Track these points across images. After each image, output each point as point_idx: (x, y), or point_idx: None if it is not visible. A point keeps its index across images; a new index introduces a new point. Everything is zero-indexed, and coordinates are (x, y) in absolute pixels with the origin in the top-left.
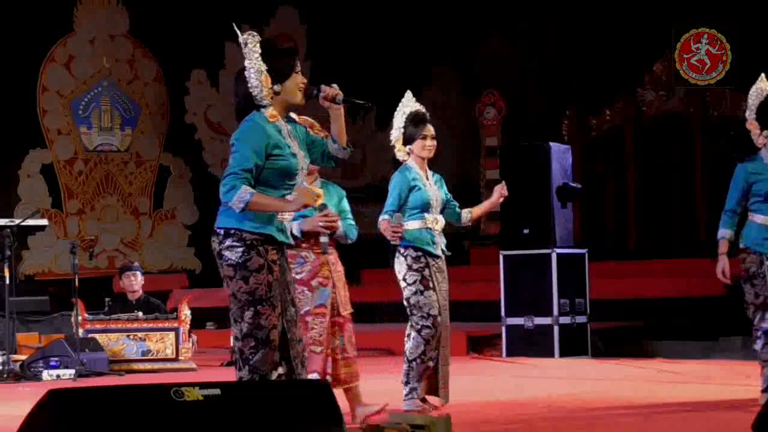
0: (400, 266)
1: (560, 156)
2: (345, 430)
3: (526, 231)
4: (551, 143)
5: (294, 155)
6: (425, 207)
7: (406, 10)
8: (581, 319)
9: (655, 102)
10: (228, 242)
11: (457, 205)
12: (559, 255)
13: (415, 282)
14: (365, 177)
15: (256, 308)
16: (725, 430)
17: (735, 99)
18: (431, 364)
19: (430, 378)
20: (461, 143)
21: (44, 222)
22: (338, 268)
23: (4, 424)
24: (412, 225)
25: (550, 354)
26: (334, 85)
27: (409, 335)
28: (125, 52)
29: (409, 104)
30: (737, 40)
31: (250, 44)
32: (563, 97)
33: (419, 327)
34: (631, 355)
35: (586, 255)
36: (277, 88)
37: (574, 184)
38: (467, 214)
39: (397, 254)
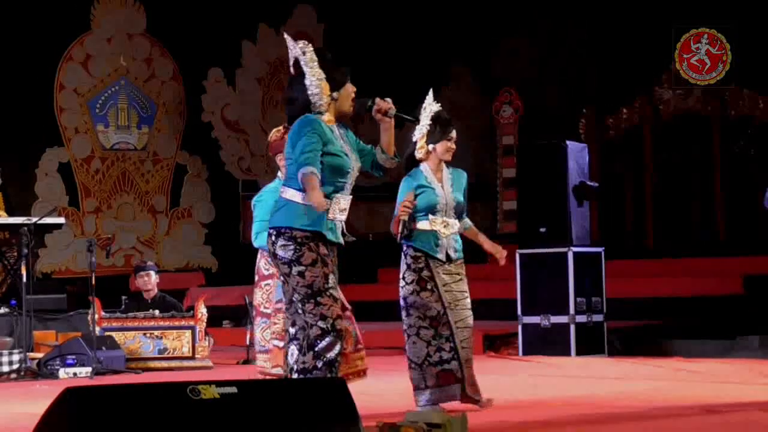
0: (402, 265)
1: (577, 155)
2: (361, 428)
3: (542, 230)
4: (568, 142)
5: (347, 155)
6: (431, 209)
7: (424, 9)
8: (598, 317)
9: (673, 101)
10: (280, 241)
11: (466, 216)
12: (575, 254)
13: (412, 282)
14: (383, 177)
15: (317, 299)
16: (743, 430)
17: (753, 98)
18: (449, 367)
19: (456, 384)
20: (478, 142)
21: (61, 220)
22: None
23: (22, 422)
24: (418, 226)
25: (566, 353)
26: (388, 99)
27: (409, 340)
28: (142, 50)
29: (434, 104)
30: (737, 40)
31: (308, 53)
32: (580, 96)
33: (417, 328)
34: (648, 354)
35: (603, 254)
36: (335, 95)
37: (591, 183)
38: (464, 227)
39: (402, 254)
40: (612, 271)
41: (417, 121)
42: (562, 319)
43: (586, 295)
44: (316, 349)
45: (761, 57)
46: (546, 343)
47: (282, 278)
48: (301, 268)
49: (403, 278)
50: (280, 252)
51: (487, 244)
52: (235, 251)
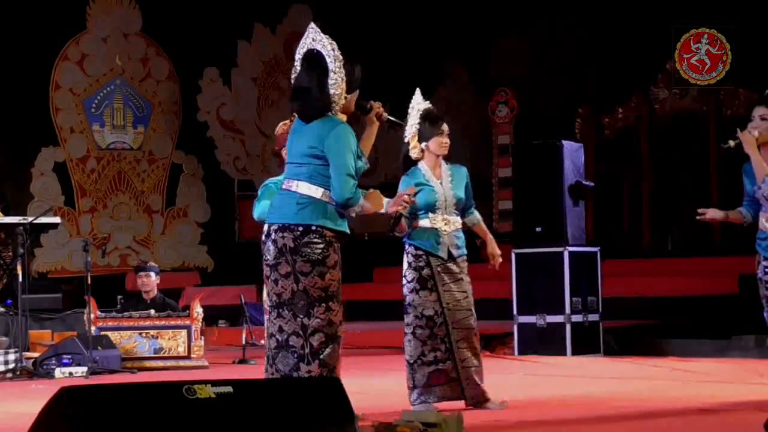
0: (404, 264)
1: (573, 154)
2: (357, 428)
3: (538, 229)
4: (564, 141)
5: (362, 158)
6: (431, 207)
7: (421, 8)
8: (593, 317)
9: (668, 100)
10: (307, 238)
11: (472, 207)
12: (571, 253)
13: (412, 280)
14: (378, 176)
15: (328, 304)
16: (739, 429)
17: (748, 98)
18: (443, 366)
19: (449, 384)
20: (474, 142)
21: (57, 220)
22: None
23: (17, 422)
24: (418, 225)
25: (562, 352)
26: (380, 103)
27: (405, 338)
28: (138, 50)
29: (422, 102)
30: (737, 40)
31: (337, 51)
32: (576, 95)
33: (413, 327)
34: (643, 353)
35: (599, 253)
36: (350, 96)
37: (586, 183)
38: (473, 221)
39: (404, 252)
40: (608, 271)
41: (404, 125)
42: (558, 318)
43: (581, 294)
44: (321, 357)
45: (761, 57)
46: (542, 342)
47: (280, 278)
48: (324, 269)
49: (405, 276)
50: (305, 249)
51: (489, 246)
52: (230, 251)
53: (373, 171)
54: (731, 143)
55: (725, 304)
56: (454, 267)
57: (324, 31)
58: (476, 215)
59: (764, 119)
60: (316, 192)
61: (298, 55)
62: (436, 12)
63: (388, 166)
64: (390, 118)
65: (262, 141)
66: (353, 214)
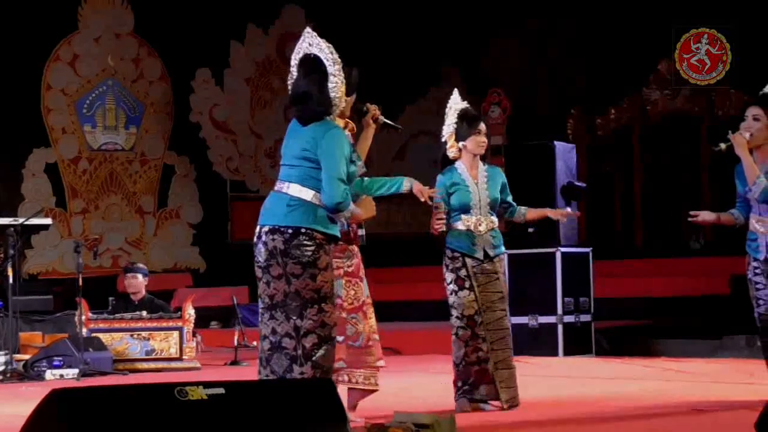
0: (443, 266)
1: (565, 155)
2: (349, 429)
3: (531, 230)
4: (556, 142)
5: (356, 162)
6: (464, 208)
7: (414, 9)
8: (585, 317)
9: (661, 101)
10: (297, 240)
11: (512, 204)
12: (563, 254)
13: (451, 282)
14: (371, 175)
15: (321, 306)
16: (730, 429)
17: (740, 99)
18: (486, 366)
19: (489, 382)
20: None
21: (48, 221)
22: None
23: (8, 424)
24: (453, 226)
25: (554, 353)
26: (376, 106)
27: (452, 339)
28: (130, 50)
29: (458, 101)
30: (737, 40)
31: (335, 54)
32: (569, 96)
33: (456, 328)
34: (635, 354)
35: (591, 254)
36: (348, 99)
37: (579, 183)
38: (521, 214)
39: (443, 255)
40: (600, 272)
41: (399, 128)
42: (550, 319)
43: (573, 295)
44: (314, 358)
45: (761, 57)
46: (534, 343)
47: (272, 280)
48: (315, 271)
49: (445, 279)
50: (294, 251)
51: (552, 214)
52: (223, 252)
53: (368, 170)
54: (723, 146)
55: (717, 304)
56: (489, 267)
57: (316, 33)
58: (521, 210)
59: (757, 119)
60: (307, 194)
61: (294, 61)
62: (429, 13)
63: (381, 165)
64: (386, 120)
65: (254, 142)
66: (343, 219)
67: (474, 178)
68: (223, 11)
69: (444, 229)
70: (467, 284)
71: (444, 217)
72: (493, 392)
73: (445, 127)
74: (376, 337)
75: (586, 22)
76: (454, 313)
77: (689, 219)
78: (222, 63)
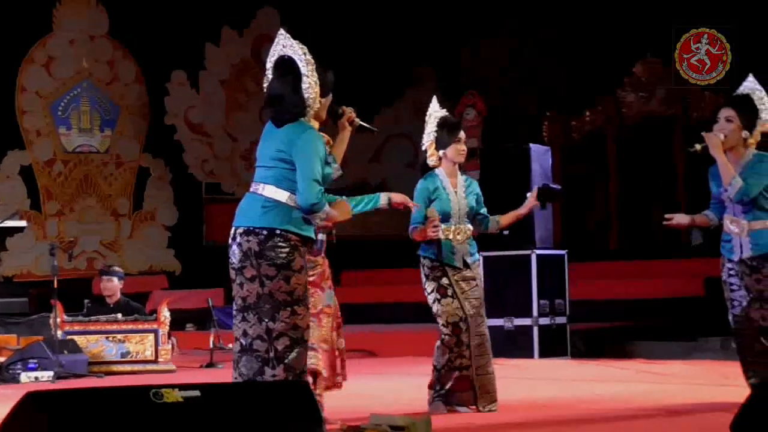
0: (422, 275)
1: (540, 157)
2: (324, 431)
3: (506, 232)
4: (531, 145)
5: (332, 164)
6: (444, 217)
7: (389, 11)
8: (561, 320)
9: (636, 103)
10: (272, 242)
11: (486, 216)
12: (539, 256)
13: (432, 291)
14: (347, 178)
15: (293, 308)
16: (705, 430)
17: (714, 100)
18: (466, 373)
19: (467, 389)
20: None
21: (23, 223)
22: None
23: None
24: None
25: (529, 355)
26: (351, 108)
27: (437, 344)
28: (105, 53)
29: (438, 109)
30: (737, 40)
31: (309, 54)
32: (544, 98)
33: (442, 335)
34: (610, 355)
35: (566, 256)
36: (323, 101)
37: (554, 186)
38: (495, 223)
39: (420, 264)
40: (575, 274)
41: (375, 130)
42: (526, 321)
43: (549, 297)
44: (286, 361)
45: (761, 57)
46: (509, 345)
47: (245, 281)
48: (289, 273)
49: (425, 288)
50: (269, 253)
51: (522, 211)
52: (198, 254)
53: (342, 173)
54: (698, 147)
55: (691, 306)
56: (469, 273)
57: (292, 35)
58: (494, 219)
59: (729, 121)
60: (282, 196)
61: (269, 63)
62: (404, 15)
63: (356, 169)
64: (361, 123)
65: (230, 144)
66: (318, 221)
67: (453, 186)
68: (198, 13)
69: (442, 236)
70: (449, 292)
71: (439, 223)
72: (470, 400)
73: (425, 135)
74: (325, 346)
75: (561, 25)
76: (439, 320)
77: (664, 223)
78: (197, 65)
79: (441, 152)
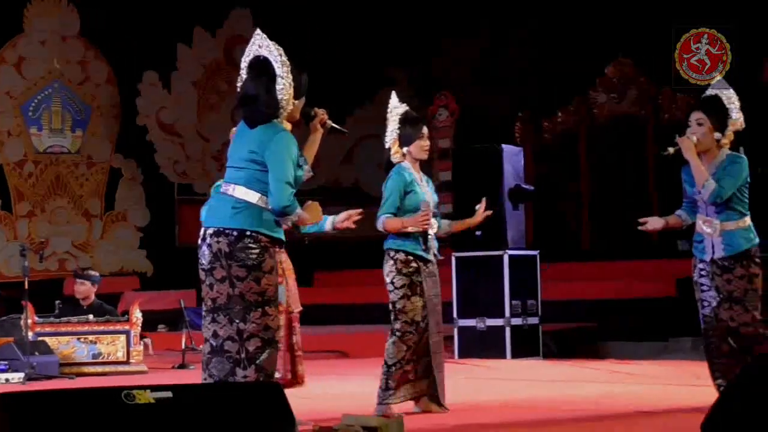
0: (388, 269)
1: (513, 158)
2: None
3: (478, 233)
4: (503, 145)
5: (303, 166)
6: (417, 210)
7: (361, 12)
8: (533, 320)
9: (607, 104)
10: (242, 243)
11: (439, 214)
12: (511, 257)
13: (403, 286)
14: (319, 179)
15: (264, 309)
16: (677, 430)
17: (686, 102)
18: (408, 368)
19: (414, 384)
20: None
21: None
22: (290, 265)
23: None
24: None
25: (501, 355)
26: (323, 110)
27: (390, 339)
28: (76, 53)
29: (398, 105)
30: (737, 40)
31: (284, 56)
32: (516, 99)
33: (402, 332)
34: (582, 356)
35: (538, 256)
36: (297, 102)
37: (526, 186)
38: (447, 226)
39: (386, 256)
40: (547, 274)
41: (346, 132)
42: (498, 321)
43: (521, 297)
44: (258, 362)
45: (761, 57)
46: (482, 345)
47: (215, 282)
48: (259, 274)
49: (392, 283)
50: (239, 254)
51: (476, 219)
52: (170, 255)
53: (314, 174)
54: (671, 150)
55: (663, 307)
56: (433, 269)
57: (264, 35)
58: (446, 221)
59: (700, 124)
60: (253, 197)
61: (244, 63)
62: (377, 16)
63: (329, 169)
64: (333, 125)
65: (202, 145)
66: (289, 223)
67: (420, 181)
68: (170, 14)
69: (435, 228)
70: (419, 290)
71: (430, 215)
72: (416, 392)
73: (387, 133)
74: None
75: (534, 25)
76: (402, 317)
77: (639, 227)
78: (169, 66)
79: (404, 149)
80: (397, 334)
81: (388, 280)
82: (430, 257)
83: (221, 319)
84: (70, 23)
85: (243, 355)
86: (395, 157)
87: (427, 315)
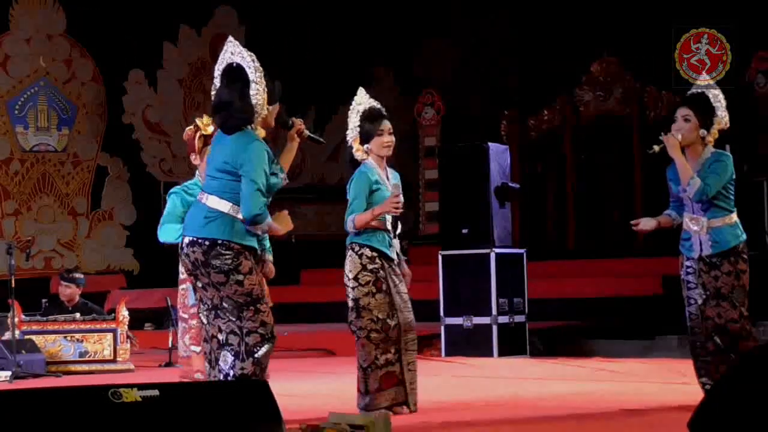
0: (352, 265)
1: (499, 156)
2: (284, 430)
3: (465, 231)
4: (490, 143)
5: (278, 174)
6: None
7: (346, 10)
8: (520, 318)
9: (593, 102)
10: (215, 251)
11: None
12: (497, 255)
13: (368, 283)
14: (305, 177)
15: (256, 307)
16: (663, 428)
17: (671, 100)
18: (392, 369)
19: (397, 386)
20: (400, 143)
21: None
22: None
23: None
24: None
25: (488, 354)
26: (300, 120)
27: (358, 342)
28: (62, 51)
29: (362, 101)
30: (737, 40)
31: (257, 62)
32: (502, 97)
33: (368, 331)
34: (569, 354)
35: (525, 255)
36: (271, 108)
37: (512, 184)
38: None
39: (349, 252)
40: (534, 272)
41: (323, 141)
42: (485, 320)
43: (508, 296)
44: (256, 355)
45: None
46: (468, 344)
47: (203, 287)
48: (240, 276)
49: (356, 279)
50: (214, 261)
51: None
52: (156, 253)
53: (300, 173)
54: (656, 148)
55: (649, 305)
56: (397, 268)
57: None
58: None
59: (687, 120)
60: (225, 206)
61: (217, 71)
62: (361, 14)
63: (314, 167)
64: (311, 135)
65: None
66: (260, 232)
67: (385, 178)
68: (155, 12)
69: (402, 211)
70: (384, 287)
71: (401, 197)
72: (397, 397)
73: (349, 130)
74: (196, 349)
75: (519, 23)
76: (366, 315)
77: (633, 228)
78: (155, 64)
79: (366, 146)
80: (361, 333)
81: (351, 276)
82: (393, 256)
83: (222, 315)
84: (56, 22)
85: (242, 348)
86: (357, 155)
87: (396, 313)
